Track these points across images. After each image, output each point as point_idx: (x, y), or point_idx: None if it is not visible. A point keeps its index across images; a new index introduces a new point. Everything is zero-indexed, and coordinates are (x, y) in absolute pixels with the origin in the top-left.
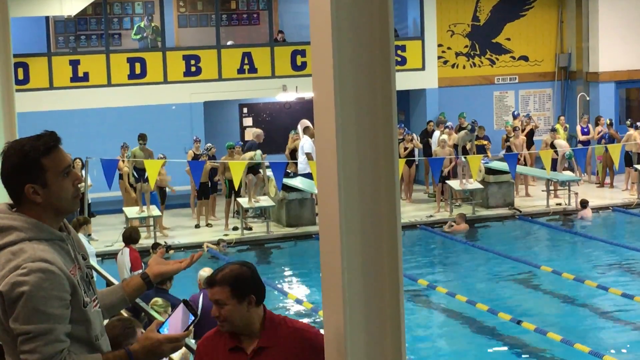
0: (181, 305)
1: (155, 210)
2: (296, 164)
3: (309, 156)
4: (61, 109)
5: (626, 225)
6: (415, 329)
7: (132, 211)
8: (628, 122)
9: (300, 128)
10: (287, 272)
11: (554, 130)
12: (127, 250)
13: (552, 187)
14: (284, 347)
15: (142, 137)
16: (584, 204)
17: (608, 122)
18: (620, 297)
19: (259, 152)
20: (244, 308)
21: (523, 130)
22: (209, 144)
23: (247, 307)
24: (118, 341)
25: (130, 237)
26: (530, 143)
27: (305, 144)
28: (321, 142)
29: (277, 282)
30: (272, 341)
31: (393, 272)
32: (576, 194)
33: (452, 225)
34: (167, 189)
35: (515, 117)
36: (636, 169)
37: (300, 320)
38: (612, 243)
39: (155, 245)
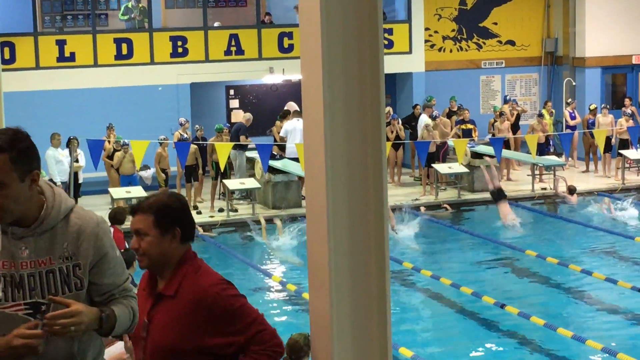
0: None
1: (141, 191)
2: (282, 146)
3: (282, 140)
4: (47, 89)
5: (610, 210)
6: (400, 312)
7: (117, 192)
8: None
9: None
10: (272, 254)
11: (540, 115)
12: (111, 230)
13: (537, 172)
14: (181, 300)
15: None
16: (572, 190)
17: (592, 107)
18: (603, 282)
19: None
20: (166, 242)
21: (513, 116)
22: (197, 126)
23: (170, 241)
24: None
25: (115, 217)
26: (516, 128)
27: (285, 125)
28: (309, 124)
29: (261, 263)
30: (173, 289)
31: (379, 255)
32: (564, 178)
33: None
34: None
35: (506, 101)
36: (620, 155)
37: (288, 306)
38: (596, 228)
39: None
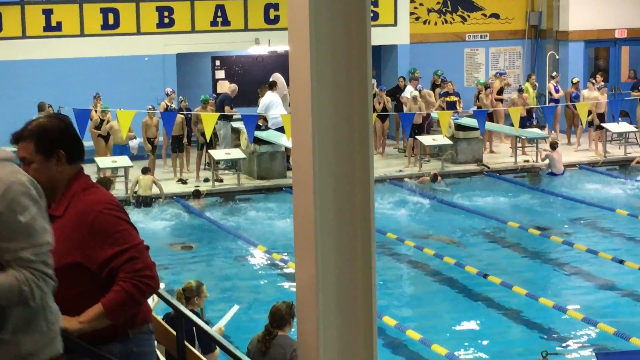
0: None
1: (127, 161)
2: (266, 118)
3: (262, 113)
4: (34, 59)
5: (592, 183)
6: (384, 281)
7: (103, 161)
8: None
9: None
10: (257, 224)
11: (520, 90)
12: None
13: (519, 145)
14: (68, 218)
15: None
16: (554, 145)
17: (575, 80)
18: (585, 253)
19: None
20: (51, 166)
21: (500, 92)
22: (181, 97)
23: (56, 164)
24: None
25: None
26: (498, 100)
27: (265, 99)
28: (296, 95)
29: (246, 233)
30: (61, 210)
31: (365, 225)
32: (545, 150)
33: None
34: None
35: (501, 74)
36: (602, 128)
37: (271, 271)
38: (577, 200)
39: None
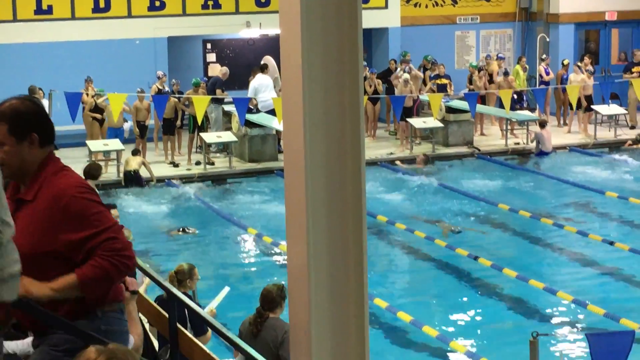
0: None
1: (118, 144)
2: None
3: (251, 96)
4: (25, 42)
5: (582, 165)
6: (375, 264)
7: (95, 144)
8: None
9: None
10: (248, 207)
11: (506, 74)
12: None
13: (510, 127)
14: (39, 202)
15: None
16: (542, 124)
17: (566, 62)
18: (575, 235)
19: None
20: (24, 148)
21: (492, 74)
22: (173, 80)
23: (29, 147)
24: None
25: (89, 173)
26: (491, 83)
27: (254, 82)
28: (287, 78)
29: (238, 216)
30: (32, 194)
31: (356, 207)
32: (542, 126)
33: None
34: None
35: (501, 58)
36: (590, 110)
37: (262, 254)
38: (568, 182)
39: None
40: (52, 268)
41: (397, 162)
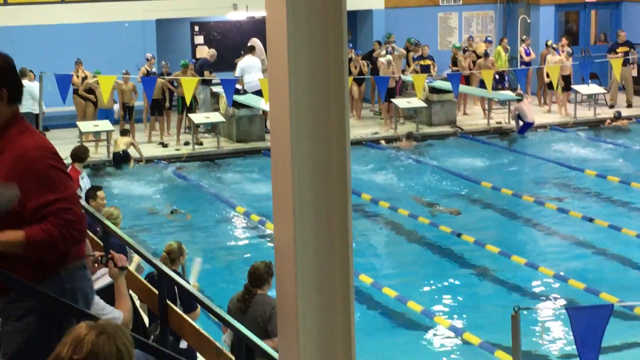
0: None
1: (108, 125)
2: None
3: (238, 76)
4: (15, 25)
5: (562, 144)
6: (360, 241)
7: (85, 125)
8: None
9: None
10: (236, 186)
11: (487, 55)
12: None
13: (493, 106)
14: (4, 159)
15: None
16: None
17: (549, 43)
18: (555, 212)
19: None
20: None
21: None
22: (163, 62)
23: None
24: None
25: (76, 155)
26: (473, 64)
27: (241, 62)
28: (273, 59)
29: (226, 195)
30: None
31: (341, 186)
32: (519, 100)
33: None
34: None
35: (488, 41)
36: (569, 90)
37: (246, 232)
38: (548, 160)
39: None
40: (3, 221)
41: (382, 142)
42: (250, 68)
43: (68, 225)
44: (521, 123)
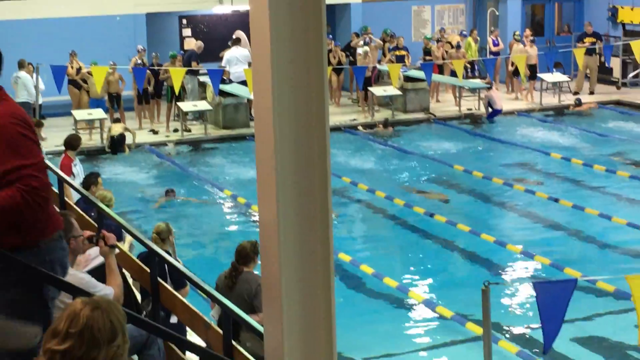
0: None
1: (101, 113)
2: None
3: (223, 66)
4: (15, 19)
5: (529, 128)
6: (339, 221)
7: (80, 114)
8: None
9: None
10: (223, 171)
11: (458, 47)
12: (63, 155)
13: (464, 94)
14: None
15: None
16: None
17: (517, 34)
18: (523, 193)
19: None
20: None
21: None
22: (153, 53)
23: None
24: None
25: (69, 143)
26: (446, 53)
27: (227, 54)
28: (257, 51)
29: (213, 179)
30: None
31: (322, 169)
32: (489, 88)
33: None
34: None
35: (462, 35)
36: (536, 77)
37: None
38: (516, 144)
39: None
40: None
41: (360, 128)
42: (235, 59)
43: (33, 192)
44: (490, 110)
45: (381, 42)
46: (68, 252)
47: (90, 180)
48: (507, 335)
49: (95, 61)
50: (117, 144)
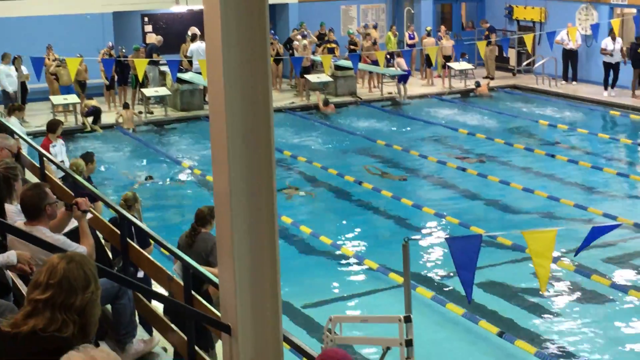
0: None
1: (75, 98)
2: (189, 62)
3: (187, 58)
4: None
5: (440, 109)
6: (282, 188)
7: (57, 99)
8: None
9: (189, 34)
10: (181, 147)
11: (375, 43)
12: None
13: (384, 81)
14: None
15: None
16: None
17: (428, 29)
18: (435, 163)
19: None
20: None
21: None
22: (119, 47)
23: None
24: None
25: (49, 127)
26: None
27: (191, 47)
28: (210, 44)
29: (173, 154)
30: None
31: (266, 144)
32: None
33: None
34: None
35: (375, 27)
36: (447, 66)
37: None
38: (430, 122)
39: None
40: None
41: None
42: (197, 53)
43: None
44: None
45: (315, 39)
46: None
47: (86, 159)
48: (424, 283)
49: (80, 54)
50: (94, 114)
